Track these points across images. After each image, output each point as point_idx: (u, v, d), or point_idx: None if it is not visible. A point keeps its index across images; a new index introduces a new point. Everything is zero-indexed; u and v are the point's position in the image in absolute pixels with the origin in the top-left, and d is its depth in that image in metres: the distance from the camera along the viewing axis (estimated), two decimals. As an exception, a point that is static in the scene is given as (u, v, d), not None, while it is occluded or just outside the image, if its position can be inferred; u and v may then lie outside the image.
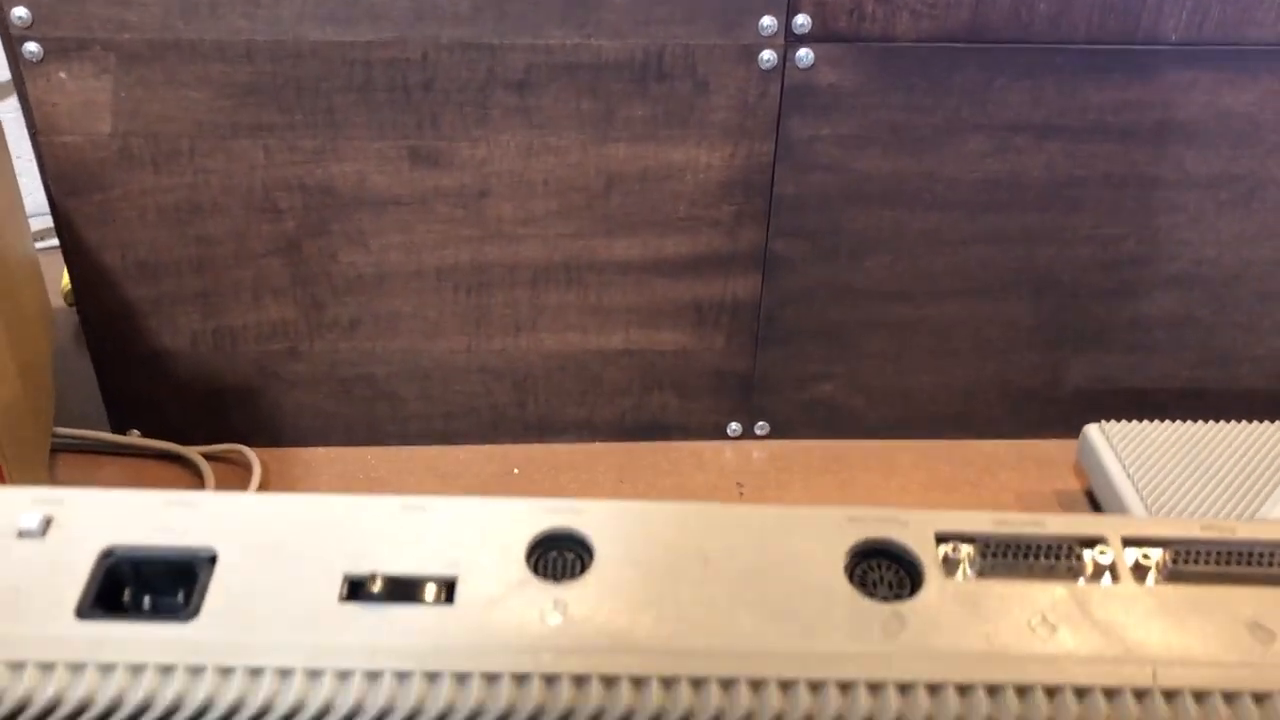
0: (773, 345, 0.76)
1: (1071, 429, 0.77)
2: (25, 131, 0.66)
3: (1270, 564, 0.31)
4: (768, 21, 0.64)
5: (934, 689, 0.28)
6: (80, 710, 0.26)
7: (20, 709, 0.26)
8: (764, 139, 0.68)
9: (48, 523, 0.29)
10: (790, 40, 0.65)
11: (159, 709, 0.26)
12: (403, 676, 0.27)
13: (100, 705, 0.26)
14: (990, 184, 0.70)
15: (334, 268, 0.71)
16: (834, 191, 0.70)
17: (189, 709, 0.26)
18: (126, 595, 0.29)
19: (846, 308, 0.74)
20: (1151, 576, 0.31)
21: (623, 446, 0.79)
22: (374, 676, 0.27)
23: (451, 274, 0.71)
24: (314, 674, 0.27)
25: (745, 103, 0.66)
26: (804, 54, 0.65)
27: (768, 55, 0.65)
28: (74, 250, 0.69)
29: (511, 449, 0.78)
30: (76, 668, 0.27)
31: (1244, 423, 0.73)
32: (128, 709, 0.26)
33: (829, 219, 0.71)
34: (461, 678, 0.27)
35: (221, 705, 0.26)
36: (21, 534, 0.29)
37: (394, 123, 0.66)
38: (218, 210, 0.68)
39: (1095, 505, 0.73)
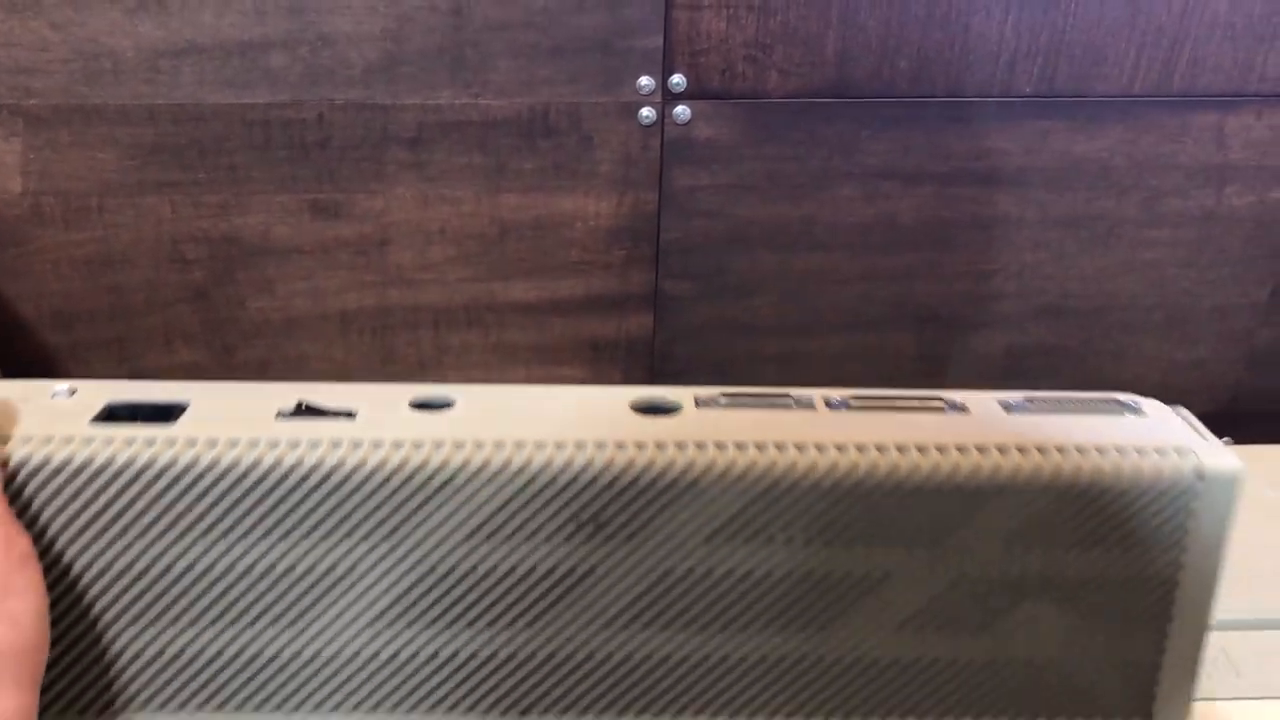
0: (667, 378, 0.80)
1: (954, 452, 0.81)
2: (-62, 191, 0.68)
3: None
4: (645, 81, 0.68)
5: (720, 445, 0.42)
6: (98, 471, 0.41)
7: (59, 468, 0.40)
8: (648, 189, 0.71)
9: (73, 391, 0.44)
10: (668, 98, 0.69)
11: (153, 471, 0.40)
12: (324, 448, 0.41)
13: (112, 467, 0.40)
14: (865, 227, 0.74)
15: (242, 314, 0.74)
16: (718, 236, 0.74)
17: (175, 472, 0.41)
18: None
19: (737, 343, 0.78)
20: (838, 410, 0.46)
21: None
22: (311, 446, 0.41)
23: (356, 318, 0.75)
24: (263, 444, 0.41)
25: (629, 156, 0.70)
26: (681, 110, 0.69)
27: (647, 112, 0.69)
28: (-10, 302, 0.72)
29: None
30: (88, 441, 0.41)
31: (1110, 446, 0.78)
32: (134, 469, 0.41)
33: (714, 261, 0.75)
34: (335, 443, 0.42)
35: (195, 469, 0.41)
36: (54, 395, 0.43)
37: (294, 178, 0.69)
38: (128, 262, 0.72)
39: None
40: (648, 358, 0.79)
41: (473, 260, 0.73)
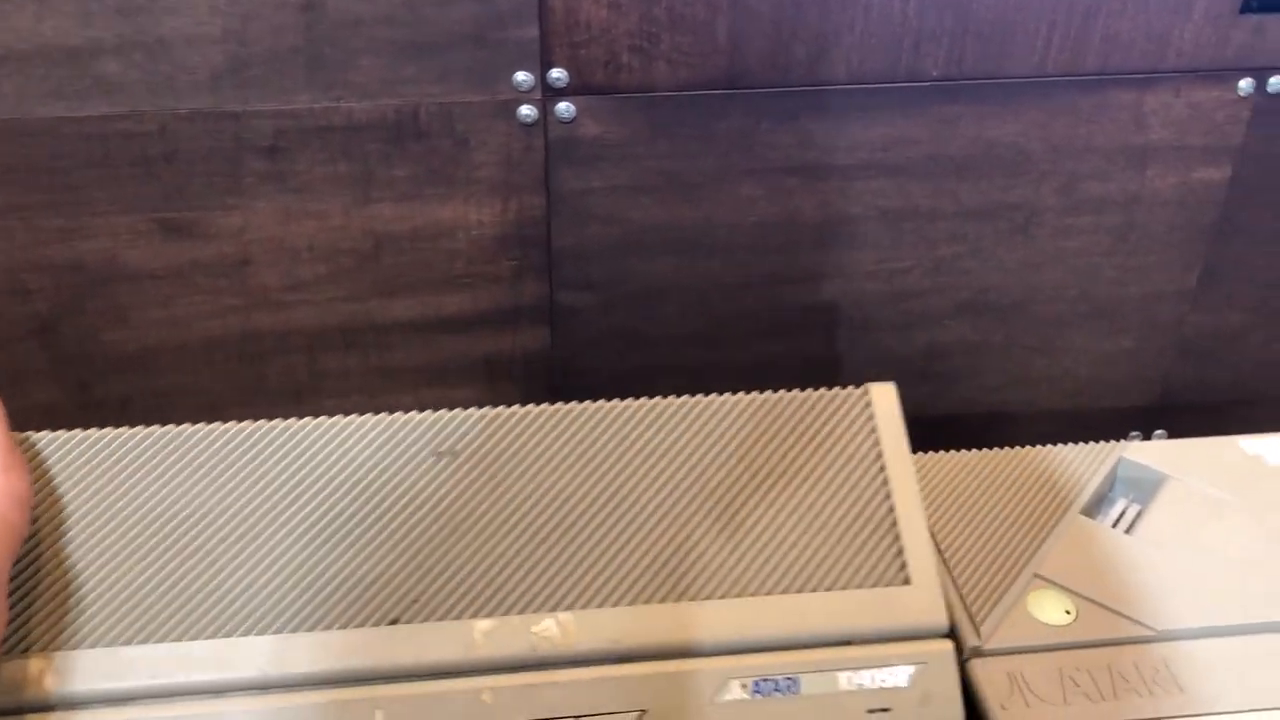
0: (571, 395, 0.74)
1: (877, 460, 0.77)
2: None
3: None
4: (522, 77, 0.62)
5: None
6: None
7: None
8: (535, 193, 0.66)
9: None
10: (548, 94, 0.63)
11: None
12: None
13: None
14: (768, 226, 0.69)
15: (95, 347, 0.67)
16: (613, 241, 0.68)
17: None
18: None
19: (642, 354, 0.73)
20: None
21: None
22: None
23: (221, 345, 0.69)
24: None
25: (510, 158, 0.65)
26: (564, 107, 0.64)
27: (526, 110, 0.63)
28: None
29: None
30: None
31: (1039, 446, 0.73)
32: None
33: (612, 269, 0.69)
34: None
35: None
36: None
37: (140, 196, 0.63)
38: (-39, 295, 0.65)
39: (902, 536, 0.73)
40: (546, 374, 0.73)
41: (346, 277, 0.67)
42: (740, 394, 0.59)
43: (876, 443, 0.58)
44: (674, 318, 0.72)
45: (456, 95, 0.62)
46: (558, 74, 0.62)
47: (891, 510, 0.57)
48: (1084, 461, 0.72)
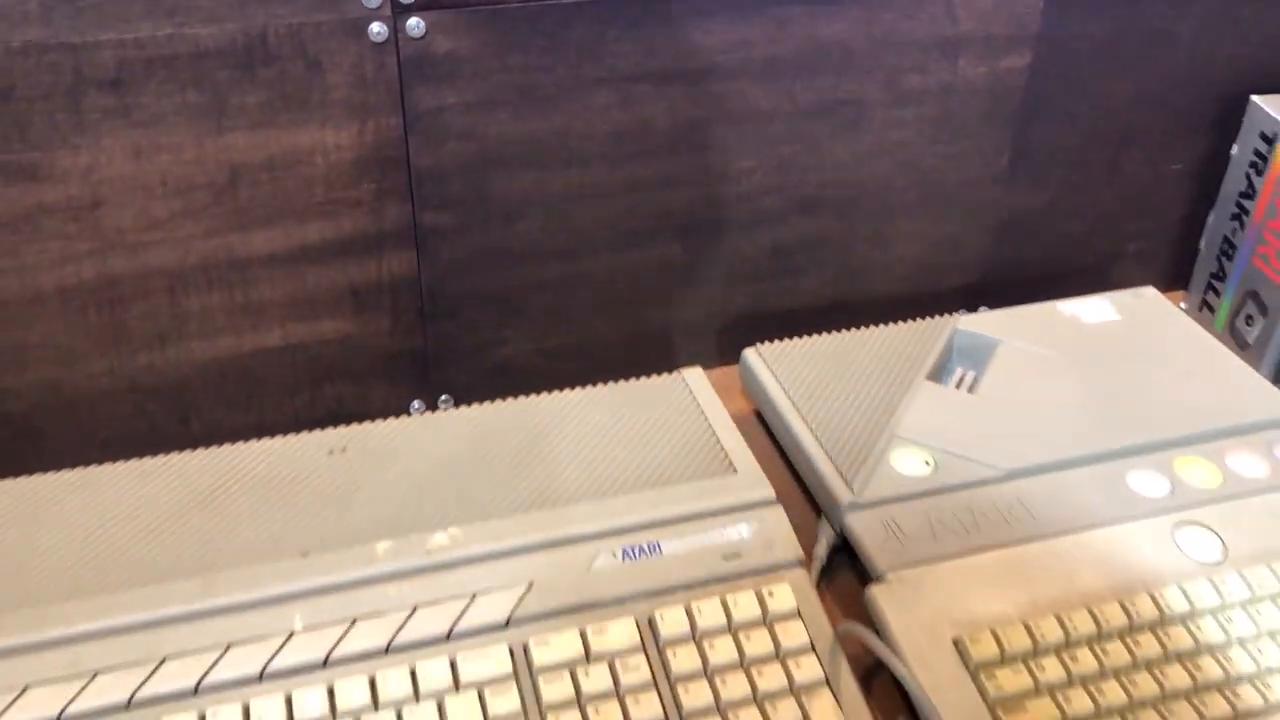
0: (441, 319, 0.76)
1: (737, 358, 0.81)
2: None
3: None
4: (370, -6, 0.63)
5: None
6: None
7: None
8: (390, 113, 0.66)
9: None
10: (397, 10, 0.64)
11: None
12: None
13: None
14: (620, 135, 0.72)
15: (-64, 305, 0.64)
16: (472, 159, 0.70)
17: None
18: None
19: (508, 272, 0.75)
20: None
21: (303, 444, 0.76)
22: None
23: (76, 293, 0.66)
24: None
25: (363, 78, 0.65)
26: (414, 23, 0.64)
27: (377, 28, 0.64)
28: None
29: (183, 467, 0.74)
30: None
31: (881, 326, 0.79)
32: None
33: (472, 186, 0.71)
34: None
35: None
36: None
37: (-25, 139, 0.60)
38: None
39: (764, 424, 0.77)
40: (416, 299, 0.74)
41: (204, 213, 0.66)
42: (585, 388, 0.70)
43: (696, 402, 0.70)
44: (536, 233, 0.74)
45: (305, 15, 0.62)
46: (406, -10, 0.63)
47: (712, 430, 0.68)
48: (923, 336, 0.78)
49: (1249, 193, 0.85)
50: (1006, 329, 0.79)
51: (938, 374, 0.76)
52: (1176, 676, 0.58)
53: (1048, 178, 0.84)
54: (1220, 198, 0.87)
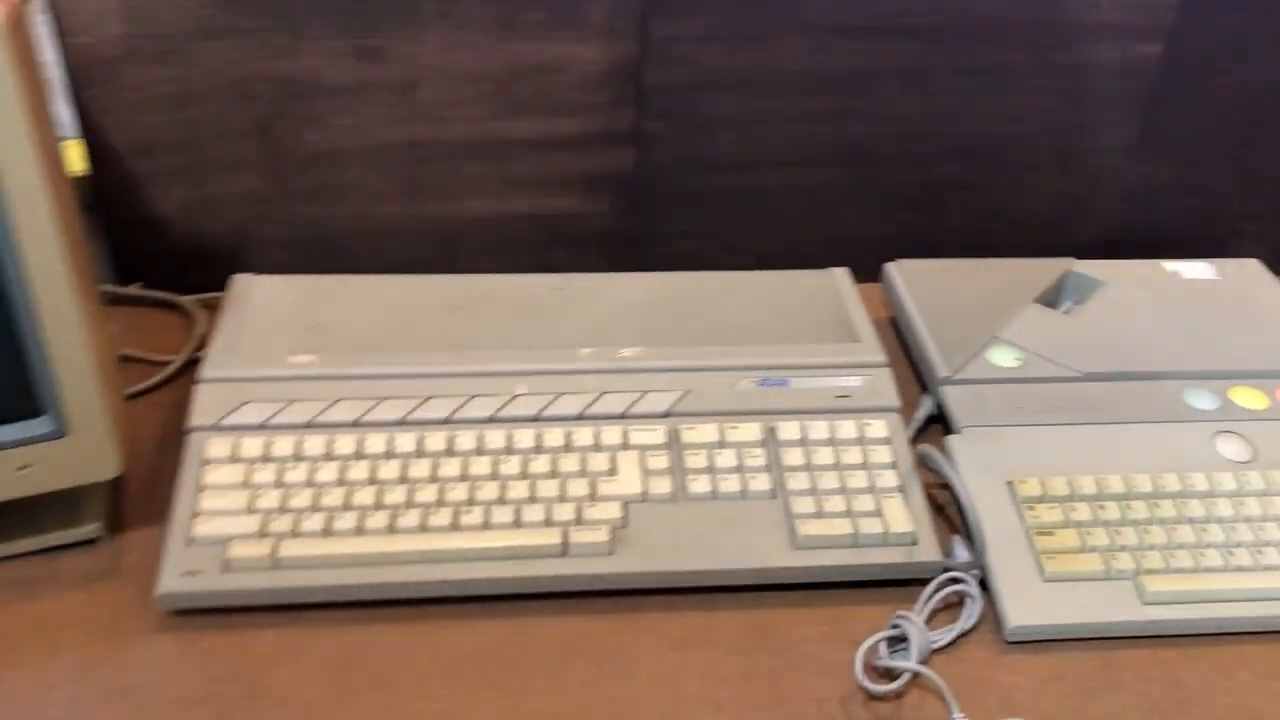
0: (645, 209, 0.96)
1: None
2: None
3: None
4: (630, -54, 0.84)
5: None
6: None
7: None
8: (632, 39, 0.88)
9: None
10: (648, -40, 0.85)
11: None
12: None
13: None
14: (807, 74, 0.90)
15: (296, 146, 0.89)
16: (688, 81, 0.90)
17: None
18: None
19: (701, 177, 0.95)
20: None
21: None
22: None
23: (390, 151, 0.90)
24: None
25: (616, 9, 0.86)
26: (659, -29, 0.85)
27: (631, -29, 0.85)
28: (89, 133, 0.87)
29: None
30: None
31: (1007, 259, 0.95)
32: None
33: (685, 103, 0.91)
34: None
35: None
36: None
37: (342, 26, 0.85)
38: (203, 98, 0.87)
39: (896, 330, 0.95)
40: (630, 190, 0.95)
41: (487, 100, 0.89)
42: (751, 271, 0.90)
43: (837, 291, 0.89)
44: (729, 146, 0.93)
45: (581, -41, 0.84)
46: (657, -55, 0.84)
47: (846, 311, 0.86)
48: (1041, 272, 0.94)
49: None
50: (1113, 274, 0.93)
51: (1046, 303, 0.92)
52: (1184, 534, 0.72)
53: (1173, 155, 0.98)
54: (1336, 190, 0.98)
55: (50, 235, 0.60)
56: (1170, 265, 0.95)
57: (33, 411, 0.65)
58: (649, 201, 0.96)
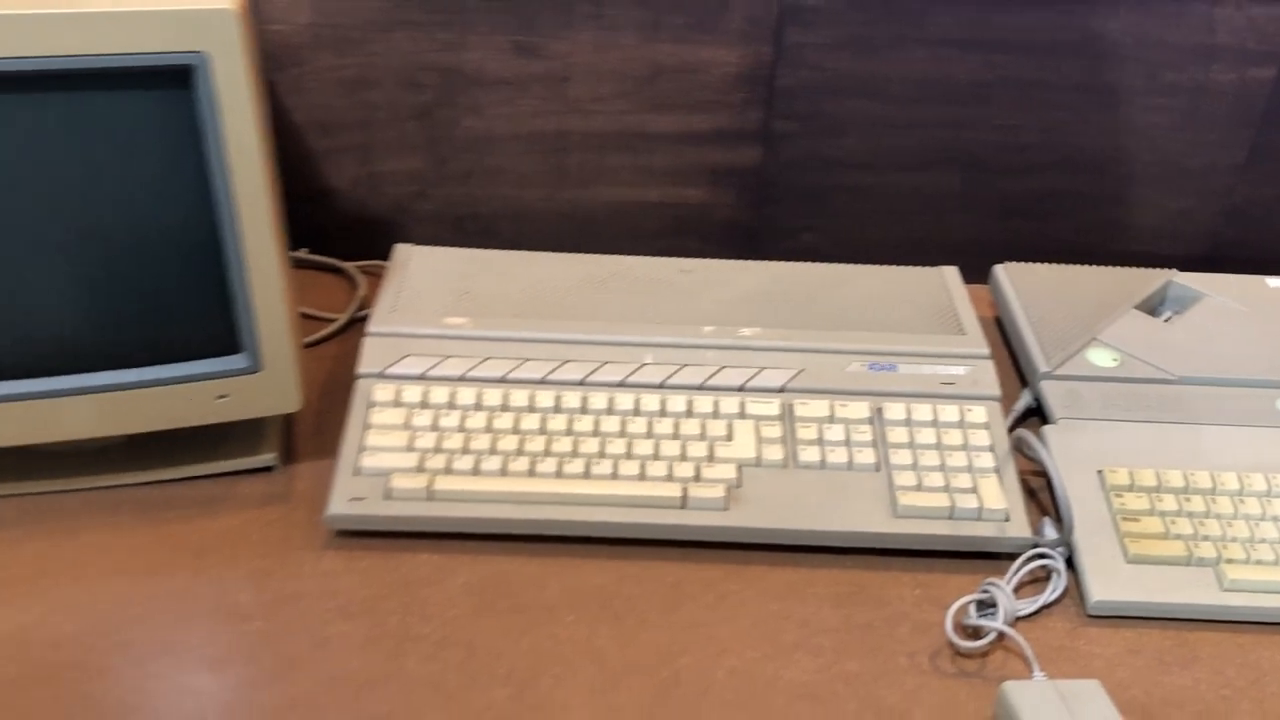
0: (769, 203, 1.04)
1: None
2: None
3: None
4: (771, -40, 0.91)
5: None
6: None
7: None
8: (767, 44, 0.95)
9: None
10: (786, -26, 0.92)
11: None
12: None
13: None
14: (927, 83, 0.97)
15: (455, 131, 0.99)
16: (816, 85, 0.97)
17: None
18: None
19: (824, 175, 1.02)
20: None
21: (656, 277, 1.06)
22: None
23: (540, 140, 0.99)
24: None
25: (754, 17, 0.94)
26: (796, -16, 0.92)
27: (770, -17, 0.92)
28: (276, 112, 0.98)
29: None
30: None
31: (1112, 267, 1.00)
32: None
33: (812, 105, 0.98)
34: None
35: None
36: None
37: (505, 24, 0.94)
38: (377, 84, 0.96)
39: (1001, 329, 1.00)
40: (756, 184, 1.02)
41: (630, 96, 0.97)
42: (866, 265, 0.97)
43: (946, 288, 0.95)
44: (851, 147, 1.00)
45: (724, -30, 0.91)
46: (795, -40, 0.91)
47: (954, 306, 0.92)
48: (1143, 281, 0.98)
49: None
50: (1213, 287, 0.97)
51: (1146, 310, 0.96)
52: (1267, 530, 0.77)
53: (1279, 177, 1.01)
54: None
55: (262, 197, 0.70)
56: (1272, 281, 0.99)
57: (234, 348, 0.75)
58: (773, 196, 1.03)
